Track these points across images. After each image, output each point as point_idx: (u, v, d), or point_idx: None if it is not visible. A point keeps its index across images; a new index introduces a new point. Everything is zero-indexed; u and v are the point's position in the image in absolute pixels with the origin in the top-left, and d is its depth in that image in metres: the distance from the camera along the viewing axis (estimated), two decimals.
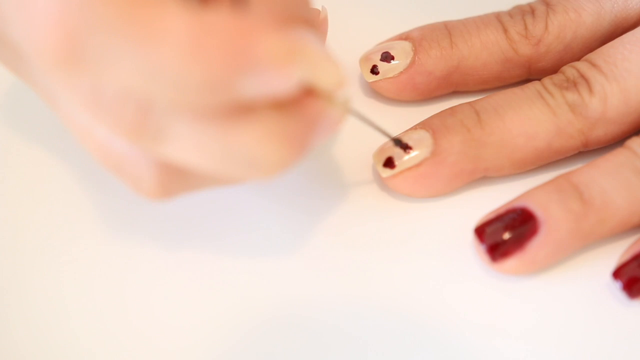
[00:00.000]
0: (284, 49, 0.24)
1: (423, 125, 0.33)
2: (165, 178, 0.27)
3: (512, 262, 0.31)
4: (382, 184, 0.34)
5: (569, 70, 0.34)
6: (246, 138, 0.25)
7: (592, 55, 0.34)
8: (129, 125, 0.25)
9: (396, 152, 0.33)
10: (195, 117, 0.24)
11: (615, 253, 0.31)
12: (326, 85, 0.25)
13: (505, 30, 0.35)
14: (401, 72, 0.35)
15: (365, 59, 0.36)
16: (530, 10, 0.35)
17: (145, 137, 0.25)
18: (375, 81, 0.35)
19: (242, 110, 0.25)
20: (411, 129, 0.34)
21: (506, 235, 0.31)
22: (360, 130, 0.35)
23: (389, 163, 0.33)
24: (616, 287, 0.31)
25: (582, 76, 0.33)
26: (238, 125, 0.25)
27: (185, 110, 0.24)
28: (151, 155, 0.26)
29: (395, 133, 0.34)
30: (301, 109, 0.26)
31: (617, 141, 0.33)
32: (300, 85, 0.25)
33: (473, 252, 0.32)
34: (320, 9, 0.33)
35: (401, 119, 0.35)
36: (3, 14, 0.25)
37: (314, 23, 0.27)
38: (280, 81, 0.24)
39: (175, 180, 0.27)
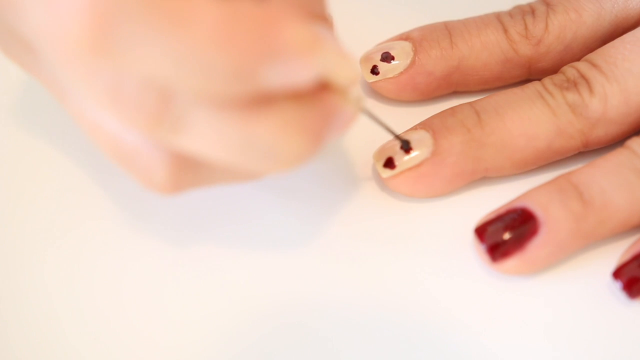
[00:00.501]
0: (308, 39, 0.24)
1: (423, 125, 0.33)
2: (178, 171, 0.27)
3: (512, 262, 0.31)
4: (382, 184, 0.34)
5: (569, 71, 0.34)
6: (265, 128, 0.25)
7: (592, 56, 0.34)
8: (149, 114, 0.24)
9: (396, 152, 0.33)
10: (217, 106, 0.24)
11: (615, 253, 0.31)
12: (342, 80, 0.26)
13: (505, 31, 0.35)
14: (401, 73, 0.35)
15: (365, 59, 0.36)
16: (531, 10, 0.35)
17: (164, 126, 0.25)
18: (376, 81, 0.35)
19: (262, 100, 0.25)
20: (411, 129, 0.34)
21: (506, 236, 0.31)
22: (361, 130, 0.35)
23: (389, 163, 0.33)
24: (616, 287, 0.31)
25: (583, 76, 0.33)
26: (258, 115, 0.25)
27: (207, 99, 0.24)
28: (166, 147, 0.26)
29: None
30: (318, 102, 0.26)
31: (618, 141, 0.33)
32: (318, 78, 0.25)
33: (473, 252, 0.32)
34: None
35: (401, 119, 0.35)
36: (17, 7, 0.25)
37: (329, 20, 0.27)
38: (302, 71, 0.24)
39: (188, 173, 0.27)
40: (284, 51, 0.23)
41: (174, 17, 0.22)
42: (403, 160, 0.33)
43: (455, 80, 0.35)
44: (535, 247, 0.30)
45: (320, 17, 0.27)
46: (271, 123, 0.25)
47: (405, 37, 0.36)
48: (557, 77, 0.34)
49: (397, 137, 0.32)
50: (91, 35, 0.23)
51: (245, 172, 0.28)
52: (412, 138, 0.33)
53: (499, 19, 0.35)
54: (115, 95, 0.24)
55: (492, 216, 0.31)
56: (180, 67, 0.23)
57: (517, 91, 0.34)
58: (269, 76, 0.24)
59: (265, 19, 0.23)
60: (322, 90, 0.26)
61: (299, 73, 0.24)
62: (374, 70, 0.35)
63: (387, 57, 0.35)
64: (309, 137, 0.25)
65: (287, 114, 0.25)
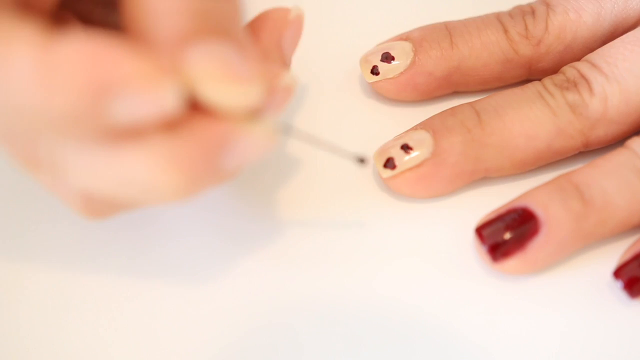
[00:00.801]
0: (149, 70, 0.22)
1: (423, 125, 0.33)
2: (89, 202, 0.27)
3: (513, 262, 0.31)
4: (383, 184, 0.34)
5: (569, 71, 0.34)
6: (135, 164, 0.24)
7: (592, 56, 0.34)
8: (24, 160, 0.25)
9: (397, 152, 0.33)
10: (80, 145, 0.24)
11: (616, 253, 0.31)
12: (231, 104, 0.24)
13: (505, 31, 0.35)
14: (401, 73, 0.35)
15: (365, 59, 0.36)
16: (531, 10, 0.35)
17: (42, 169, 0.25)
18: (376, 82, 0.35)
19: (129, 134, 0.24)
20: (412, 129, 0.34)
21: (507, 236, 0.31)
22: (361, 130, 0.35)
23: (389, 164, 0.33)
24: (617, 286, 0.31)
25: (583, 76, 0.33)
26: (126, 150, 0.24)
27: (67, 140, 0.24)
28: (66, 185, 0.26)
29: (395, 133, 0.34)
30: (197, 131, 0.24)
31: (618, 141, 0.33)
32: (186, 105, 0.24)
33: (474, 252, 0.32)
34: (292, 7, 0.31)
35: (401, 120, 0.35)
36: None
37: (240, 38, 0.26)
38: (151, 102, 0.23)
39: (99, 202, 0.27)
40: (122, 86, 0.22)
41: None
42: (403, 161, 0.33)
43: (455, 81, 0.35)
44: (536, 247, 0.30)
45: (224, 33, 0.25)
46: (140, 158, 0.24)
47: (405, 37, 0.36)
48: (557, 77, 0.34)
49: (338, 150, 0.30)
50: None
51: (141, 202, 0.27)
52: (413, 138, 0.33)
53: (499, 20, 0.35)
54: None
55: (493, 216, 0.31)
56: (9, 115, 0.23)
57: (517, 91, 0.34)
58: (116, 111, 0.23)
59: (94, 57, 0.22)
60: (204, 118, 0.24)
61: (148, 104, 0.23)
62: (374, 71, 0.35)
63: (387, 58, 0.35)
64: (184, 169, 0.24)
65: (156, 147, 0.24)
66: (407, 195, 0.33)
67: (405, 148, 0.33)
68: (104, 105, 0.22)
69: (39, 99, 0.22)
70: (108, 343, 0.30)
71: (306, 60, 0.35)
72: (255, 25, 0.30)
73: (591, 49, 0.35)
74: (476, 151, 0.33)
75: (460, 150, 0.32)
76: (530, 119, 0.33)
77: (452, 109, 0.34)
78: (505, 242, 0.31)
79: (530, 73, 0.36)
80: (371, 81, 0.35)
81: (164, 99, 0.23)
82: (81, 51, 0.22)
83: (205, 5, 0.24)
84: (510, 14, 0.36)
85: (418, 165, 0.32)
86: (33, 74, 0.22)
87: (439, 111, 0.34)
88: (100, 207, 0.28)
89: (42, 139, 0.24)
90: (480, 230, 0.31)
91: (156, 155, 0.24)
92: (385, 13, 0.39)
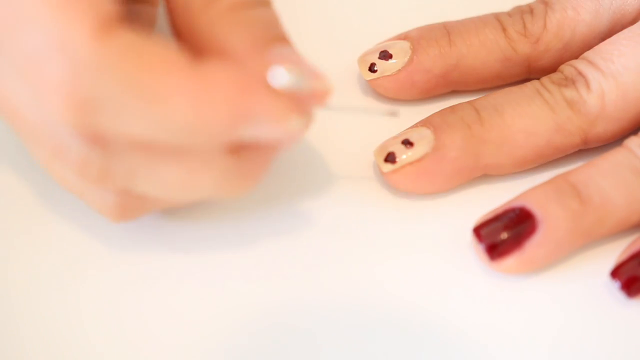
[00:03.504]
0: (282, 106, 0.26)
1: (424, 122, 0.33)
2: (125, 205, 0.29)
3: (510, 261, 0.31)
4: (383, 181, 0.34)
5: (567, 69, 0.34)
6: (208, 179, 0.27)
7: (589, 53, 0.34)
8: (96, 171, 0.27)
9: (398, 148, 0.33)
10: (165, 159, 0.27)
11: (614, 252, 0.31)
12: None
13: (504, 29, 0.35)
14: (399, 70, 0.35)
15: (363, 58, 0.36)
16: (529, 9, 0.35)
17: (111, 180, 0.27)
18: (374, 79, 0.35)
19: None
20: (412, 126, 0.34)
21: (504, 235, 0.31)
22: (361, 126, 0.35)
23: (390, 158, 0.33)
24: (614, 286, 0.31)
25: (580, 73, 0.33)
26: (202, 166, 0.27)
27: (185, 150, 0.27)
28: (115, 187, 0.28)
29: (394, 132, 0.34)
30: (262, 152, 0.28)
31: (617, 139, 0.33)
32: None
33: (472, 251, 0.32)
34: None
35: (401, 119, 0.35)
36: None
37: (288, 40, 0.29)
38: (278, 131, 0.27)
39: (135, 205, 0.29)
40: (260, 117, 0.26)
41: (152, 92, 0.25)
42: (404, 156, 0.33)
43: (454, 79, 0.35)
44: (534, 246, 0.30)
45: (280, 38, 0.28)
46: (209, 175, 0.27)
47: (403, 37, 0.35)
48: (556, 76, 0.34)
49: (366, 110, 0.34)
50: (74, 115, 0.25)
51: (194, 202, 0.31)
52: (413, 135, 0.33)
53: (497, 19, 0.35)
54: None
55: (490, 216, 0.31)
56: (160, 132, 0.26)
57: (515, 89, 0.34)
58: (240, 135, 0.26)
59: (239, 87, 0.26)
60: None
61: (269, 135, 0.27)
62: (372, 68, 0.35)
63: (385, 56, 0.35)
64: (246, 182, 0.28)
65: (226, 161, 0.27)
66: (407, 190, 0.33)
67: (406, 143, 0.33)
68: (239, 128, 0.26)
69: (191, 118, 0.25)
70: (107, 343, 0.30)
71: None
72: None
73: (590, 46, 0.35)
74: (476, 147, 0.33)
75: (460, 145, 0.32)
76: (529, 115, 0.33)
77: (451, 106, 0.34)
78: (502, 241, 0.31)
79: (530, 71, 0.36)
80: (369, 79, 0.35)
81: (284, 134, 0.27)
82: (229, 80, 0.25)
83: (264, 14, 0.28)
84: (509, 13, 0.36)
85: (419, 160, 0.33)
86: (190, 96, 0.25)
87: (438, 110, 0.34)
88: (135, 209, 0.30)
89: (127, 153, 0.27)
90: (478, 230, 0.31)
91: (223, 169, 0.27)
92: (385, 13, 0.39)
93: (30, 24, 0.24)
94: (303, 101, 0.27)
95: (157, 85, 0.25)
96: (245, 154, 0.28)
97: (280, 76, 0.27)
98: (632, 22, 0.35)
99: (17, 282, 0.31)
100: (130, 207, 0.29)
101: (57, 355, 0.30)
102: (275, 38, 0.28)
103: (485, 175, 0.34)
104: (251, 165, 0.28)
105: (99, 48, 0.24)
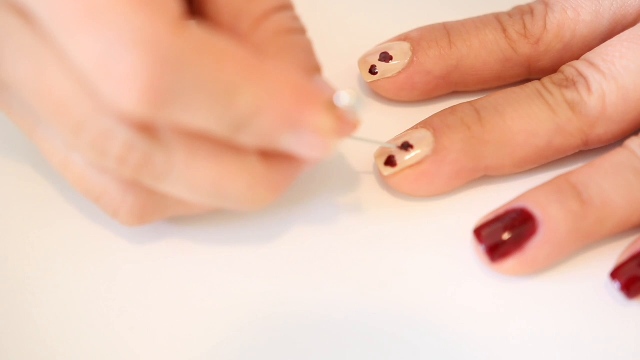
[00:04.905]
0: (329, 125, 0.27)
1: (424, 124, 0.34)
2: (145, 206, 0.29)
3: (511, 262, 0.31)
4: (383, 184, 0.34)
5: (568, 70, 0.34)
6: (235, 183, 0.28)
7: (590, 54, 0.34)
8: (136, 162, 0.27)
9: (398, 151, 0.33)
10: (200, 159, 0.27)
11: (614, 253, 0.31)
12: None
13: (504, 30, 0.35)
14: (400, 72, 0.35)
15: (363, 60, 0.36)
16: (529, 10, 0.35)
17: (146, 174, 0.27)
18: (374, 81, 0.35)
19: (237, 153, 0.28)
20: (412, 128, 0.34)
21: (505, 236, 0.31)
22: (361, 129, 0.35)
23: (390, 161, 0.33)
24: (614, 287, 0.31)
25: (581, 75, 0.33)
26: (230, 170, 0.28)
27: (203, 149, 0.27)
28: (138, 187, 0.29)
29: (395, 133, 0.34)
30: (289, 161, 0.29)
31: (618, 140, 0.33)
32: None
33: (472, 252, 0.32)
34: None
35: (401, 120, 0.35)
36: None
37: (320, 69, 0.30)
38: (313, 148, 0.28)
39: (154, 207, 0.30)
40: (306, 127, 0.27)
41: (222, 86, 0.26)
42: (404, 159, 0.33)
43: (454, 80, 0.35)
44: (534, 247, 0.30)
45: (315, 69, 0.30)
46: (241, 179, 0.28)
47: (404, 38, 0.36)
48: (556, 76, 0.34)
49: (386, 143, 0.33)
50: (144, 107, 0.25)
51: (213, 208, 0.31)
52: (413, 137, 0.33)
53: (497, 19, 0.35)
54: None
55: (491, 217, 0.31)
56: (222, 123, 0.26)
57: (516, 90, 0.34)
58: (282, 140, 0.27)
59: (301, 92, 0.27)
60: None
61: (306, 147, 0.28)
62: (372, 71, 0.35)
63: (385, 58, 0.35)
64: (274, 190, 0.29)
65: (258, 169, 0.28)
66: (408, 193, 0.33)
67: (406, 146, 0.33)
68: (282, 131, 0.27)
69: (254, 109, 0.26)
70: (108, 343, 0.30)
71: None
72: None
73: (590, 47, 0.35)
74: (476, 148, 0.33)
75: (460, 147, 0.32)
76: (529, 116, 0.33)
77: (451, 107, 0.34)
78: (503, 242, 0.31)
79: (530, 72, 0.36)
80: (370, 81, 0.35)
81: (326, 147, 0.28)
82: (291, 82, 0.27)
83: (304, 43, 0.30)
84: (509, 13, 0.36)
85: (419, 163, 0.33)
86: (255, 89, 0.26)
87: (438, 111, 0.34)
88: (151, 215, 0.30)
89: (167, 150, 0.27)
90: (478, 231, 0.31)
91: (256, 179, 0.28)
92: (385, 14, 0.39)
93: (108, 16, 0.24)
94: (342, 127, 0.28)
95: (228, 77, 0.26)
96: (276, 164, 0.28)
97: (341, 98, 0.28)
98: (633, 23, 0.35)
99: (17, 282, 0.32)
100: (149, 209, 0.29)
101: (57, 355, 0.30)
102: (314, 68, 0.30)
103: (486, 176, 0.34)
104: (279, 177, 0.29)
105: (178, 42, 0.25)
